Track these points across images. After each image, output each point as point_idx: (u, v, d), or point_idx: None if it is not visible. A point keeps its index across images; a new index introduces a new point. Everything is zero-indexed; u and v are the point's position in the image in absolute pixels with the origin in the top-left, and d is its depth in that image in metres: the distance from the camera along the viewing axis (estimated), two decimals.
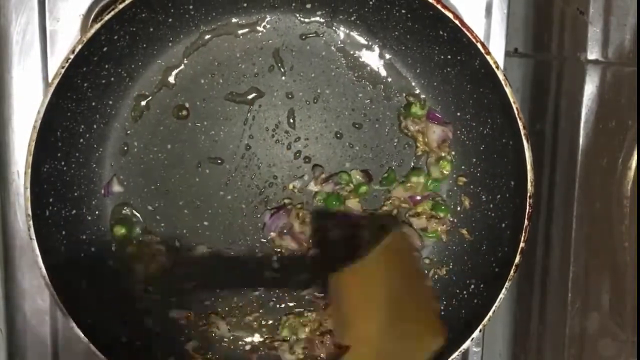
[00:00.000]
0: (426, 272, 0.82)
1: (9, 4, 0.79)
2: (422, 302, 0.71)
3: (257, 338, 0.83)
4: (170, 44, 0.78)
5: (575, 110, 0.77)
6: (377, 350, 0.66)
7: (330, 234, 0.82)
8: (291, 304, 0.84)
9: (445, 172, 0.81)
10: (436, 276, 0.82)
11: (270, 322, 0.84)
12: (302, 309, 0.83)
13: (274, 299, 0.84)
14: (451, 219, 0.82)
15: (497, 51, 0.82)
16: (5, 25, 0.80)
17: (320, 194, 0.81)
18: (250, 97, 0.80)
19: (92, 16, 0.81)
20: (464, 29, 0.71)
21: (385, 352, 0.66)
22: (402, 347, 0.67)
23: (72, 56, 0.70)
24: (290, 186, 0.81)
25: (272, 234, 0.82)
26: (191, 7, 0.76)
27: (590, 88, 0.77)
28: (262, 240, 0.82)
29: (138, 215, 0.81)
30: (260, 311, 0.83)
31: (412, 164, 0.82)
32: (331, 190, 0.81)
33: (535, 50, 0.88)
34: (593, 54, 0.76)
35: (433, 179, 0.81)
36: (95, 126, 0.78)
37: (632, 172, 0.72)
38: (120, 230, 0.80)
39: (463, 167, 0.81)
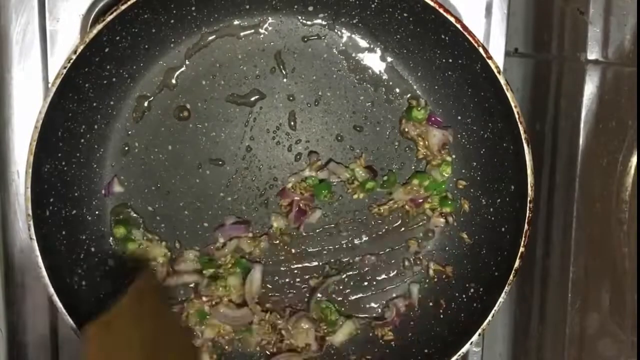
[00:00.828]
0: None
1: (9, 4, 0.79)
2: (181, 344, 0.73)
3: (258, 339, 0.83)
4: (172, 45, 0.78)
5: (575, 110, 0.77)
6: None
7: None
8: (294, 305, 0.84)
9: (445, 174, 0.81)
10: (442, 276, 0.83)
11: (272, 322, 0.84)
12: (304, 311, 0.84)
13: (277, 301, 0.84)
14: (454, 216, 0.82)
15: (497, 51, 0.82)
16: (5, 25, 0.79)
17: (311, 179, 0.81)
18: (251, 98, 0.80)
19: (92, 16, 0.81)
20: (465, 33, 0.71)
21: None
22: None
23: (74, 56, 0.70)
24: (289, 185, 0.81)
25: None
26: (193, 8, 0.75)
27: (590, 88, 0.76)
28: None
29: (138, 215, 0.81)
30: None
31: (413, 167, 0.82)
32: (326, 178, 0.81)
33: (535, 50, 0.88)
34: (593, 54, 0.76)
35: (434, 182, 0.81)
36: (96, 126, 0.78)
37: (632, 172, 0.72)
38: (121, 231, 0.80)
39: (463, 170, 0.81)
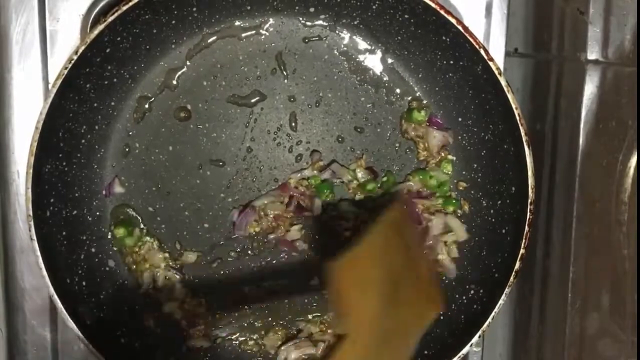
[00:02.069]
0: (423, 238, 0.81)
1: (9, 4, 0.79)
2: (421, 273, 0.70)
3: (258, 339, 0.84)
4: (173, 46, 0.78)
5: (575, 110, 0.77)
6: (376, 333, 0.65)
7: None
8: (295, 306, 0.84)
9: (446, 172, 0.81)
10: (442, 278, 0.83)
11: (273, 323, 0.84)
12: (306, 313, 0.84)
13: (276, 301, 0.84)
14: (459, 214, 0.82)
15: (497, 51, 0.82)
16: (5, 25, 0.79)
17: (313, 178, 0.81)
18: (252, 99, 0.80)
19: (92, 16, 0.81)
20: (466, 35, 0.71)
21: (384, 332, 0.65)
22: (401, 322, 0.67)
23: (75, 57, 0.70)
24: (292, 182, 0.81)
25: (241, 233, 0.82)
26: (194, 9, 0.75)
27: (590, 88, 0.76)
28: (264, 241, 0.83)
29: (139, 216, 0.81)
30: (262, 312, 0.84)
31: (414, 167, 0.82)
32: (328, 178, 0.81)
33: (535, 50, 0.88)
34: (593, 54, 0.76)
35: (436, 181, 0.81)
36: (97, 127, 0.78)
37: (631, 173, 0.72)
38: (121, 231, 0.80)
39: (464, 172, 0.81)
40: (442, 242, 0.81)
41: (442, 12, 0.71)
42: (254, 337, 0.83)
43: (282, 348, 0.82)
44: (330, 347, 0.82)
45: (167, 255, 0.82)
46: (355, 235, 0.74)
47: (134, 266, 0.81)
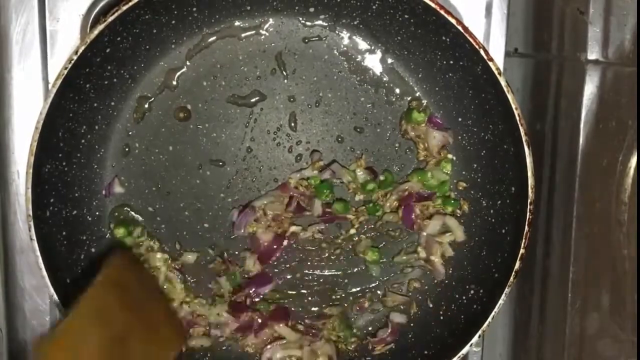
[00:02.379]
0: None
1: (9, 4, 0.79)
2: (153, 317, 0.71)
3: (258, 340, 0.84)
4: (173, 46, 0.78)
5: (575, 110, 0.77)
6: None
7: None
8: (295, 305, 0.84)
9: (446, 171, 0.81)
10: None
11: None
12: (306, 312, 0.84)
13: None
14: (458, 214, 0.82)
15: (497, 51, 0.82)
16: (5, 25, 0.79)
17: (313, 178, 0.81)
18: (252, 99, 0.80)
19: (92, 16, 0.81)
20: (466, 35, 0.71)
21: None
22: None
23: (75, 57, 0.70)
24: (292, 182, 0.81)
25: (240, 233, 0.81)
26: (194, 9, 0.75)
27: (590, 88, 0.76)
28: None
29: (139, 216, 0.81)
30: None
31: (414, 167, 0.82)
32: (328, 178, 0.81)
33: (535, 50, 0.88)
34: (593, 54, 0.76)
35: (436, 181, 0.81)
36: (96, 127, 0.78)
37: (631, 173, 0.72)
38: (121, 231, 0.80)
39: (464, 172, 0.81)
40: (437, 243, 0.81)
41: (442, 12, 0.71)
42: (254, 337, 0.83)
43: (268, 347, 0.82)
44: None
45: (166, 255, 0.81)
46: None
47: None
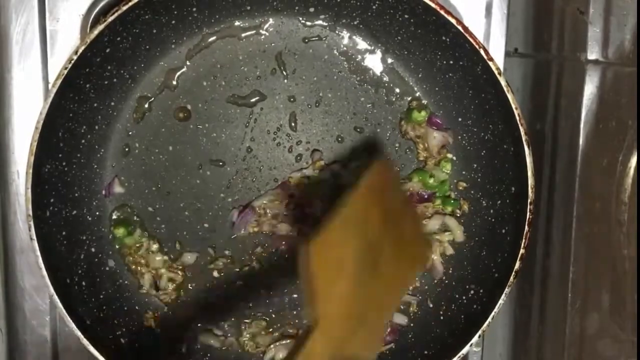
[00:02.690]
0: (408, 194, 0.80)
1: (9, 4, 0.79)
2: (404, 232, 0.68)
3: (257, 340, 0.84)
4: (172, 46, 0.78)
5: (575, 110, 0.77)
6: (350, 318, 0.62)
7: None
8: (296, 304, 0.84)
9: (446, 171, 0.81)
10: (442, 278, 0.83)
11: (274, 324, 0.84)
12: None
13: (276, 302, 0.84)
14: (458, 214, 0.82)
15: (497, 51, 0.82)
16: (5, 25, 0.79)
17: (313, 178, 0.81)
18: (252, 99, 0.80)
19: (92, 16, 0.81)
20: (466, 35, 0.71)
21: (359, 314, 0.63)
22: (382, 291, 0.64)
23: (75, 57, 0.70)
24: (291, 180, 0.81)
25: (241, 233, 0.81)
26: (194, 9, 0.75)
27: (590, 88, 0.76)
28: (264, 242, 0.83)
29: (138, 216, 0.81)
30: (264, 313, 0.84)
31: (414, 167, 0.82)
32: (328, 178, 0.81)
33: (535, 50, 0.88)
34: (593, 54, 0.76)
35: (436, 181, 0.81)
36: (96, 127, 0.78)
37: (631, 173, 0.72)
38: (121, 231, 0.80)
39: (464, 172, 0.81)
40: (437, 241, 0.81)
41: (442, 12, 0.71)
42: (254, 337, 0.83)
43: (271, 346, 0.82)
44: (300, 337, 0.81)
45: (166, 255, 0.81)
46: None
47: (134, 266, 0.81)
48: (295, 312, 0.83)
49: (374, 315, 0.65)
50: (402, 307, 0.83)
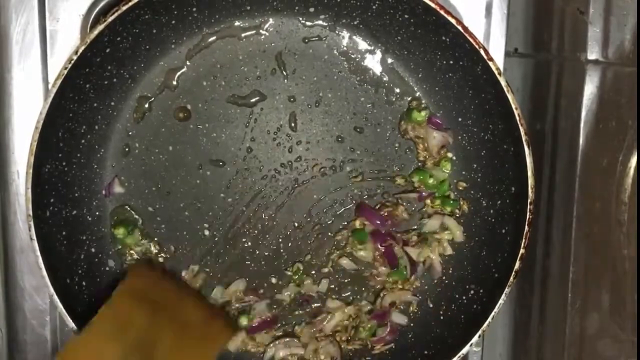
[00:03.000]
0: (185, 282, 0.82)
1: (9, 4, 0.79)
2: (190, 319, 0.72)
3: (257, 339, 0.84)
4: (172, 46, 0.78)
5: (575, 110, 0.77)
6: None
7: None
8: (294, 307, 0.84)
9: (445, 170, 0.81)
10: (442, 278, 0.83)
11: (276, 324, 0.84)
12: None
13: (277, 301, 0.84)
14: (457, 214, 0.82)
15: (497, 51, 0.82)
16: (5, 25, 0.79)
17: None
18: (252, 99, 0.80)
19: (92, 16, 0.81)
20: (466, 35, 0.71)
21: None
22: None
23: (75, 57, 0.70)
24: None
25: None
26: (194, 9, 0.75)
27: (590, 88, 0.76)
28: (263, 242, 0.83)
29: (138, 216, 0.81)
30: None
31: (414, 168, 0.82)
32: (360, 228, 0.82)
33: (535, 50, 0.88)
34: (593, 54, 0.76)
35: (435, 181, 0.81)
36: (96, 127, 0.78)
37: (631, 173, 0.72)
38: (121, 231, 0.80)
39: (464, 172, 0.81)
40: (435, 240, 0.81)
41: (442, 12, 0.71)
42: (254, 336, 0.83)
43: (271, 345, 0.82)
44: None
45: (166, 255, 0.81)
46: None
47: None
48: (296, 312, 0.84)
49: None
50: (402, 307, 0.83)
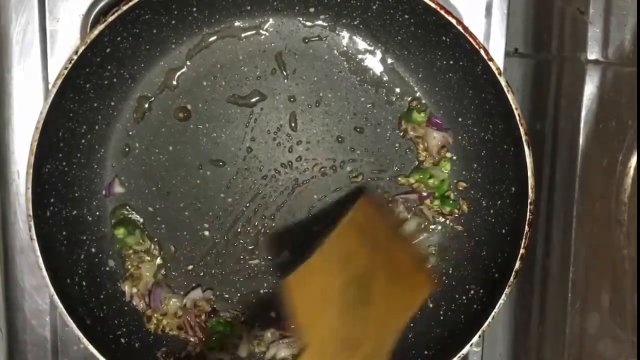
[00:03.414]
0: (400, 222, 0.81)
1: (9, 4, 0.79)
2: (399, 263, 0.71)
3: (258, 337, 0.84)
4: (173, 46, 0.78)
5: (575, 110, 0.77)
6: (339, 342, 0.66)
7: None
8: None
9: (445, 170, 0.81)
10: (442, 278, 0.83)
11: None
12: None
13: (277, 301, 0.84)
14: (457, 214, 0.82)
15: (497, 51, 0.82)
16: (5, 25, 0.79)
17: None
18: (252, 99, 0.80)
19: (92, 16, 0.81)
20: (466, 35, 0.71)
21: (350, 339, 0.66)
22: (376, 321, 0.68)
23: (75, 57, 0.70)
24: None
25: None
26: (194, 9, 0.75)
27: (590, 88, 0.76)
28: (263, 242, 0.83)
29: (139, 216, 0.81)
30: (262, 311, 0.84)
31: (414, 168, 0.82)
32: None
33: (535, 50, 0.88)
34: (593, 54, 0.76)
35: (435, 181, 0.81)
36: (97, 127, 0.78)
37: (631, 173, 0.72)
38: (121, 231, 0.80)
39: (464, 172, 0.81)
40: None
41: (442, 12, 0.71)
42: (254, 336, 0.83)
43: (272, 344, 0.83)
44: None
45: (166, 255, 0.81)
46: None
47: (134, 266, 0.81)
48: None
49: (371, 340, 0.68)
50: None
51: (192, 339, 0.82)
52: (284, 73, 0.80)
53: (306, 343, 0.66)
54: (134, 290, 0.81)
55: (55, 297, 0.73)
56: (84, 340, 0.73)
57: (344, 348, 0.67)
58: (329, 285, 0.68)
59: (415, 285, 0.72)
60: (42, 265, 0.72)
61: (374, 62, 0.80)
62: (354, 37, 0.80)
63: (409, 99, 0.81)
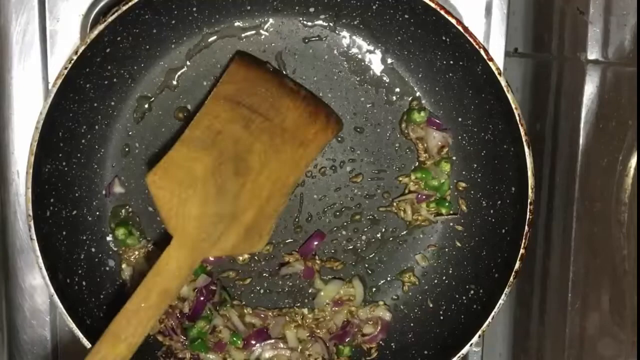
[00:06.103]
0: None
1: (9, 4, 0.79)
2: (287, 122, 0.72)
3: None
4: (173, 46, 0.78)
5: (575, 110, 0.77)
6: (208, 227, 0.69)
7: None
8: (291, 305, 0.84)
9: (446, 171, 0.81)
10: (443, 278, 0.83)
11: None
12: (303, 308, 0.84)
13: (274, 300, 0.84)
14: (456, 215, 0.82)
15: (497, 51, 0.82)
16: (5, 25, 0.79)
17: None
18: None
19: (92, 16, 0.81)
20: (466, 35, 0.71)
21: (224, 219, 0.68)
22: (264, 185, 0.70)
23: (75, 57, 0.70)
24: None
25: None
26: (194, 9, 0.75)
27: (590, 88, 0.76)
28: None
29: (139, 216, 0.81)
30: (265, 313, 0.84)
31: (414, 168, 0.82)
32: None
33: (535, 50, 0.88)
34: (593, 54, 0.76)
35: (435, 181, 0.81)
36: (96, 127, 0.78)
37: (631, 173, 0.72)
38: (121, 231, 0.80)
39: (464, 172, 0.81)
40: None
41: (442, 12, 0.71)
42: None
43: (257, 345, 0.82)
44: None
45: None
46: None
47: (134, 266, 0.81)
48: (295, 311, 0.84)
49: (252, 208, 0.71)
50: (402, 307, 0.83)
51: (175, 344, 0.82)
52: (284, 73, 0.80)
53: (171, 233, 0.69)
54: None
55: (55, 297, 0.73)
56: (84, 340, 0.73)
57: (218, 223, 0.69)
58: (192, 171, 0.69)
59: (308, 140, 0.72)
60: (42, 265, 0.73)
61: (374, 62, 0.80)
62: (354, 37, 0.80)
63: (409, 99, 0.81)
